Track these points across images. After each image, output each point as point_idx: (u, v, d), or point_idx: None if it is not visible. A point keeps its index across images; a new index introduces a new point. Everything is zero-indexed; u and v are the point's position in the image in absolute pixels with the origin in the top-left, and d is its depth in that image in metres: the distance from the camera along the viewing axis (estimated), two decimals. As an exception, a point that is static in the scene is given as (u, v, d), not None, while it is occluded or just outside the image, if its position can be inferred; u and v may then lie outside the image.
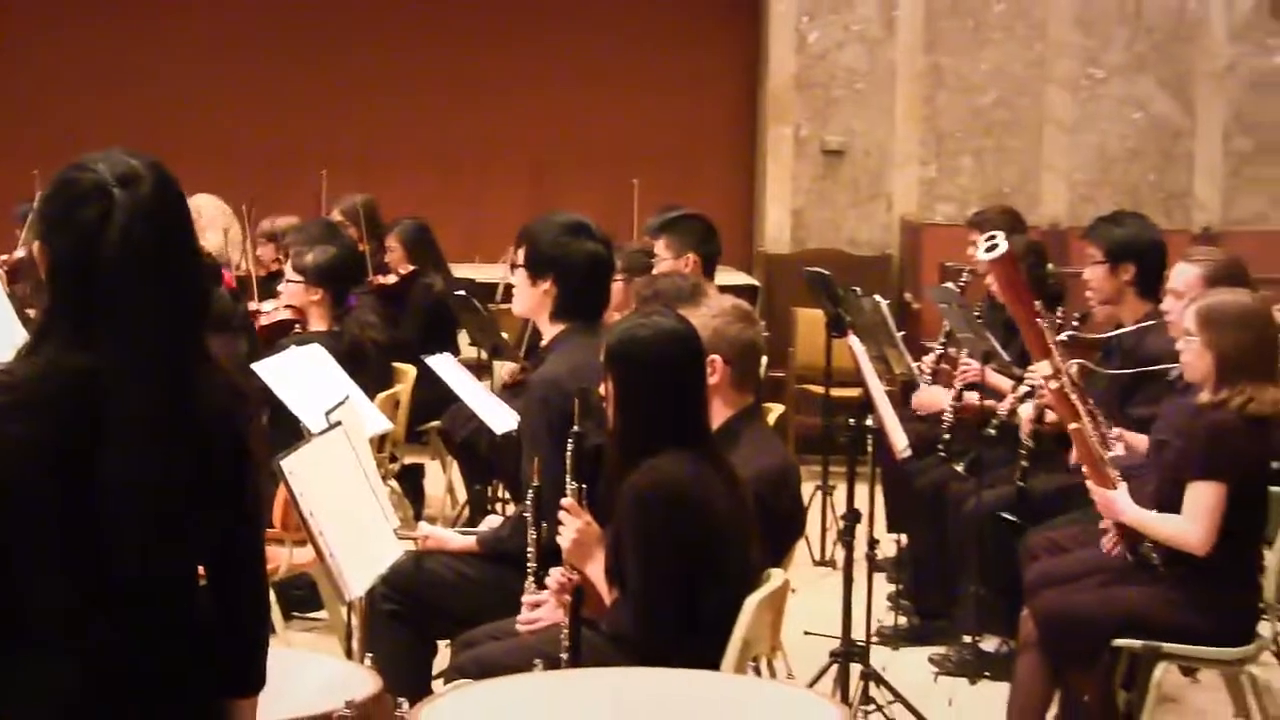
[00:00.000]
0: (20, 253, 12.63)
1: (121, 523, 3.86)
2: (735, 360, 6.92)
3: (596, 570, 6.15)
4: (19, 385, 3.85)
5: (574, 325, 7.34)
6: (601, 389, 6.23)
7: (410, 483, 11.37)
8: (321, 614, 9.00)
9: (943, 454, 9.41)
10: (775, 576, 6.24)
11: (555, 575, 6.29)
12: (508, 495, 10.65)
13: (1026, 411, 8.95)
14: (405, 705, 5.02)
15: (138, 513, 3.86)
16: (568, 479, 6.22)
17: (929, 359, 10.28)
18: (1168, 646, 7.22)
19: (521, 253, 7.49)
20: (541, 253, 7.40)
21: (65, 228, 3.87)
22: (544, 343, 7.56)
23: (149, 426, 3.85)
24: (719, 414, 6.69)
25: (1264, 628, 7.49)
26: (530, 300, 7.46)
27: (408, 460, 11.55)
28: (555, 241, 7.40)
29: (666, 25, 16.15)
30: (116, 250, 3.82)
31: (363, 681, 5.18)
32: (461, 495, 11.82)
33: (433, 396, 10.83)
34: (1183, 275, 8.23)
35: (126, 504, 3.85)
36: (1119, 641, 7.22)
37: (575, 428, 6.19)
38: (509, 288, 8.60)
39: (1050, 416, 8.52)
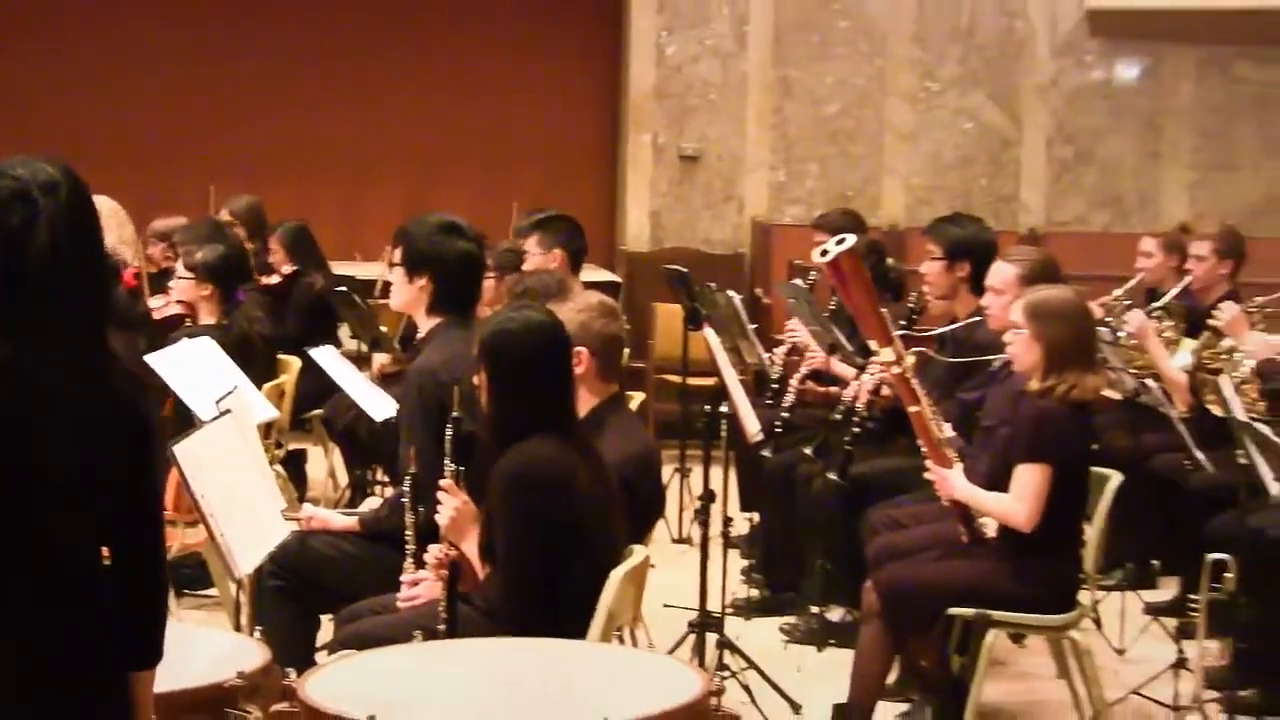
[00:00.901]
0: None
1: (34, 504, 3.85)
2: (600, 352, 6.94)
3: (472, 547, 6.15)
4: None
5: (448, 319, 7.32)
6: (475, 379, 6.24)
7: (294, 467, 11.31)
8: (211, 591, 8.95)
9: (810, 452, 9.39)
10: (637, 552, 6.26)
11: (433, 552, 6.29)
12: (386, 479, 10.64)
13: (865, 384, 9.02)
14: (293, 675, 5.00)
15: (50, 495, 3.86)
16: (446, 461, 6.23)
17: (779, 351, 10.33)
18: (998, 615, 7.27)
19: (399, 251, 7.48)
20: (418, 251, 7.38)
21: None
22: (420, 336, 7.55)
23: (64, 413, 3.84)
24: (585, 402, 6.71)
25: (1084, 597, 7.57)
26: (407, 296, 7.44)
27: (292, 446, 11.49)
28: (431, 240, 7.39)
29: (535, 38, 16.13)
30: (42, 253, 3.82)
31: (252, 653, 5.15)
32: (343, 479, 11.78)
33: (315, 387, 10.79)
34: (1001, 273, 8.28)
35: (40, 487, 3.85)
36: (953, 610, 7.25)
37: (454, 414, 6.20)
38: (387, 284, 8.59)
39: (885, 392, 8.59)
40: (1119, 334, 9.70)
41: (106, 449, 3.91)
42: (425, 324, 7.41)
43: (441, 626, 6.03)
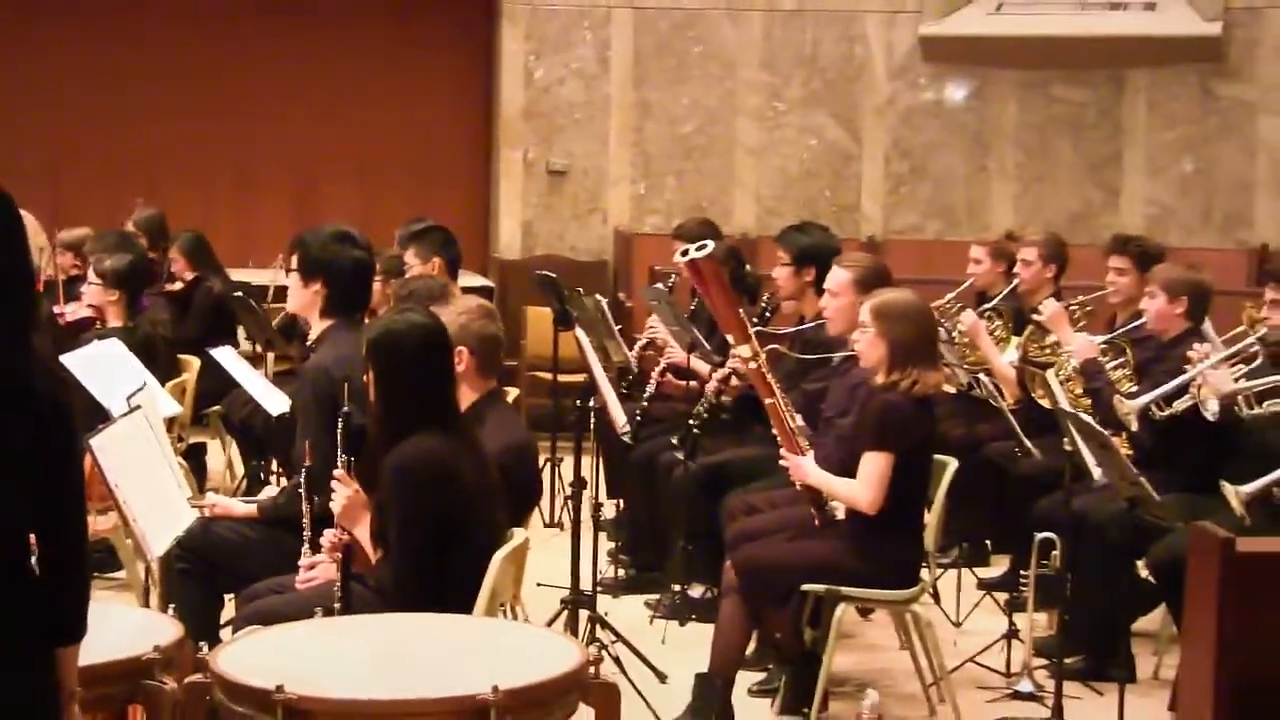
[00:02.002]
0: None
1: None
2: (479, 351, 6.95)
3: (363, 532, 6.16)
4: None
5: (340, 321, 7.30)
6: (365, 376, 6.25)
7: (195, 459, 11.26)
8: (119, 574, 8.90)
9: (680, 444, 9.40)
10: (517, 535, 6.28)
11: (328, 536, 6.29)
12: (280, 469, 10.60)
13: (719, 373, 9.09)
14: (205, 648, 4.99)
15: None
16: (338, 453, 6.24)
17: (637, 346, 10.38)
18: (847, 590, 7.31)
19: (295, 258, 7.46)
20: (312, 258, 7.35)
21: None
22: (313, 337, 7.52)
23: (-8, 408, 3.85)
24: (466, 397, 6.71)
25: (924, 574, 7.63)
26: (302, 300, 7.41)
27: (192, 440, 11.44)
28: (324, 248, 7.37)
29: (412, 60, 16.13)
30: None
31: (166, 629, 5.14)
32: (240, 469, 11.74)
33: (213, 385, 10.76)
34: (836, 278, 8.34)
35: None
36: (806, 586, 7.29)
37: (344, 409, 6.21)
38: (280, 289, 8.54)
39: (734, 382, 8.64)
40: (953, 333, 9.79)
41: (21, 439, 3.91)
42: (319, 326, 7.38)
43: (337, 605, 6.05)
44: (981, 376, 9.49)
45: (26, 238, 4.02)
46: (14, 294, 3.95)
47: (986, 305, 10.24)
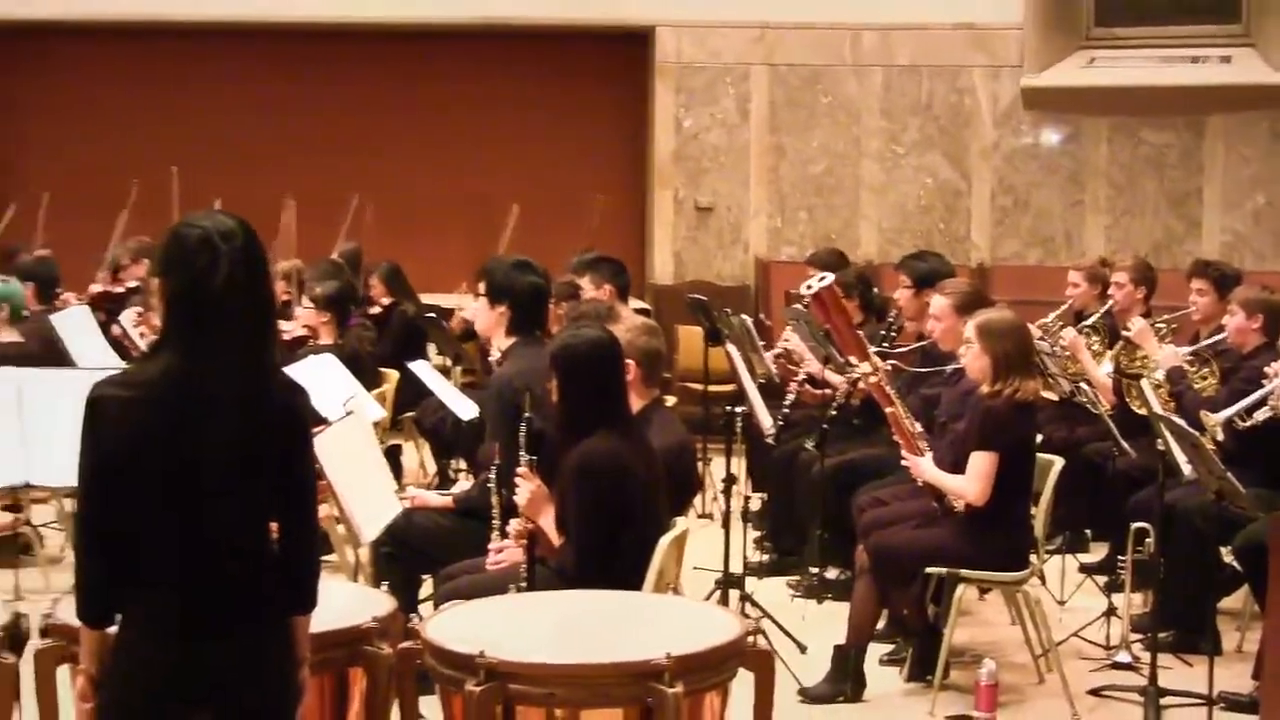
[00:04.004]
0: (97, 287, 12.61)
1: (215, 485, 3.91)
2: (644, 363, 6.99)
3: (547, 521, 6.20)
4: (143, 383, 3.93)
5: (522, 339, 7.37)
6: (547, 386, 6.29)
7: (392, 459, 11.33)
8: (330, 557, 8.97)
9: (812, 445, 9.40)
10: (679, 524, 6.31)
11: (515, 524, 6.34)
12: (465, 467, 10.67)
13: (839, 381, 9.14)
14: (415, 619, 5.05)
15: (227, 477, 3.92)
16: (521, 453, 6.28)
17: (772, 353, 10.36)
18: (965, 572, 7.32)
19: (482, 285, 7.52)
20: (497, 284, 7.42)
21: (181, 269, 3.92)
22: (497, 353, 7.57)
23: (236, 414, 3.91)
24: (633, 404, 6.71)
25: (1033, 559, 7.60)
26: (489, 321, 7.48)
27: (390, 442, 11.54)
28: (507, 275, 7.43)
29: (578, 114, 16.19)
30: (220, 286, 3.88)
31: (382, 603, 5.19)
32: (430, 468, 11.83)
33: (408, 394, 10.86)
34: (937, 304, 8.38)
35: (219, 471, 3.91)
36: (929, 569, 7.30)
37: (527, 415, 6.25)
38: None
39: (861, 386, 8.62)
40: (1055, 348, 9.73)
41: (263, 441, 3.98)
42: (503, 343, 7.44)
43: (523, 584, 6.09)
44: (1082, 384, 9.42)
45: (267, 265, 4.08)
46: (258, 316, 4.01)
47: (1084, 323, 10.16)
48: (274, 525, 4.07)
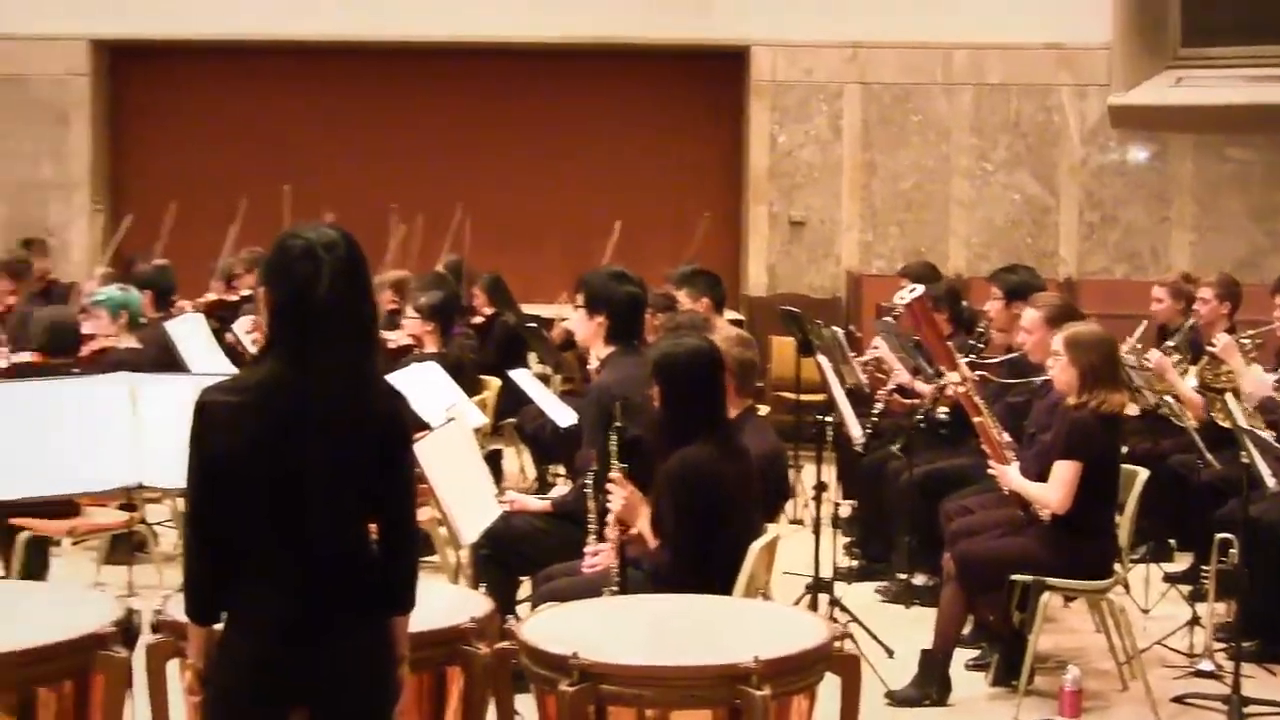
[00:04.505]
0: (212, 296, 12.69)
1: (318, 488, 3.91)
2: (738, 373, 6.96)
3: (644, 524, 6.19)
4: (248, 389, 3.93)
5: (619, 348, 7.34)
6: (650, 392, 6.27)
7: (493, 464, 11.33)
8: (433, 558, 8.99)
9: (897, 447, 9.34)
10: (771, 530, 6.28)
11: (609, 530, 6.32)
12: (564, 472, 10.67)
13: (928, 391, 9.12)
14: (511, 620, 5.04)
15: (329, 481, 3.91)
16: (613, 461, 6.26)
17: (861, 360, 10.30)
18: (1050, 580, 7.23)
19: (580, 295, 7.50)
20: (595, 294, 7.39)
21: (285, 279, 3.93)
22: (595, 362, 7.55)
23: (339, 419, 3.91)
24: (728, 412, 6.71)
25: (1118, 568, 7.51)
26: (588, 330, 7.45)
27: (491, 447, 11.54)
28: (605, 286, 7.40)
29: (677, 133, 16.19)
30: (323, 296, 3.88)
31: (479, 603, 5.18)
32: (530, 473, 11.85)
33: (509, 401, 10.86)
34: (1029, 317, 8.30)
35: (321, 475, 3.90)
36: (1015, 577, 7.22)
37: (617, 424, 6.24)
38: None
39: (948, 392, 8.55)
40: (1142, 361, 9.62)
41: (364, 446, 3.97)
42: (601, 352, 7.41)
43: (616, 587, 6.07)
44: (1167, 397, 9.32)
45: (368, 275, 4.07)
46: (359, 325, 4.00)
47: (1169, 342, 10.03)
48: (374, 527, 4.05)
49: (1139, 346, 9.81)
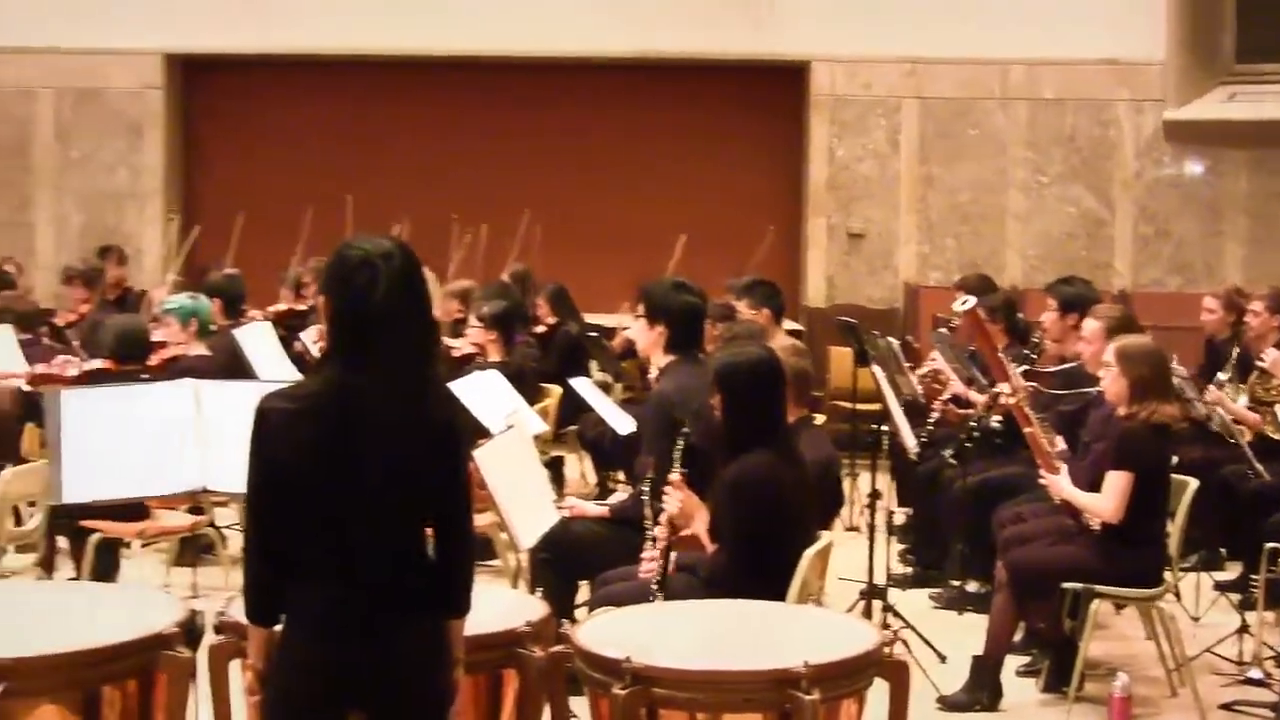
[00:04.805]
0: (282, 305, 12.75)
1: (374, 493, 3.91)
2: (792, 382, 6.91)
3: (700, 528, 6.20)
4: (306, 396, 3.95)
5: (680, 357, 7.31)
6: (703, 403, 6.25)
7: (555, 470, 11.36)
8: (494, 562, 9.00)
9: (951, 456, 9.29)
10: (824, 537, 6.25)
11: (657, 532, 6.32)
12: (623, 478, 10.65)
13: (982, 402, 9.07)
14: (566, 624, 5.03)
15: (387, 488, 3.92)
16: (675, 466, 6.25)
17: (919, 372, 10.26)
18: (1101, 588, 7.18)
19: (641, 305, 7.48)
20: (656, 304, 7.37)
21: (342, 287, 3.94)
22: (655, 370, 7.52)
23: (395, 425, 3.91)
24: (783, 421, 6.69)
25: (1168, 576, 7.46)
26: (648, 339, 7.42)
27: (553, 453, 11.55)
28: (666, 296, 7.38)
29: (736, 143, 16.15)
30: (380, 305, 3.89)
31: (535, 607, 5.16)
32: (591, 479, 11.84)
33: (570, 409, 10.86)
34: (1089, 327, 8.22)
35: (378, 479, 3.90)
36: (1066, 584, 7.17)
37: (684, 430, 6.23)
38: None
39: (1002, 401, 8.48)
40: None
41: (420, 451, 3.97)
42: (661, 361, 7.39)
43: (656, 591, 6.08)
44: (1218, 409, 9.25)
45: (425, 284, 4.07)
46: (415, 333, 4.01)
47: (1220, 375, 9.90)
48: (429, 532, 4.05)
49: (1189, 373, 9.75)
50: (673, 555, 6.35)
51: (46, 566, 8.33)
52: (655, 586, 6.11)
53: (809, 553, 5.96)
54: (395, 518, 3.97)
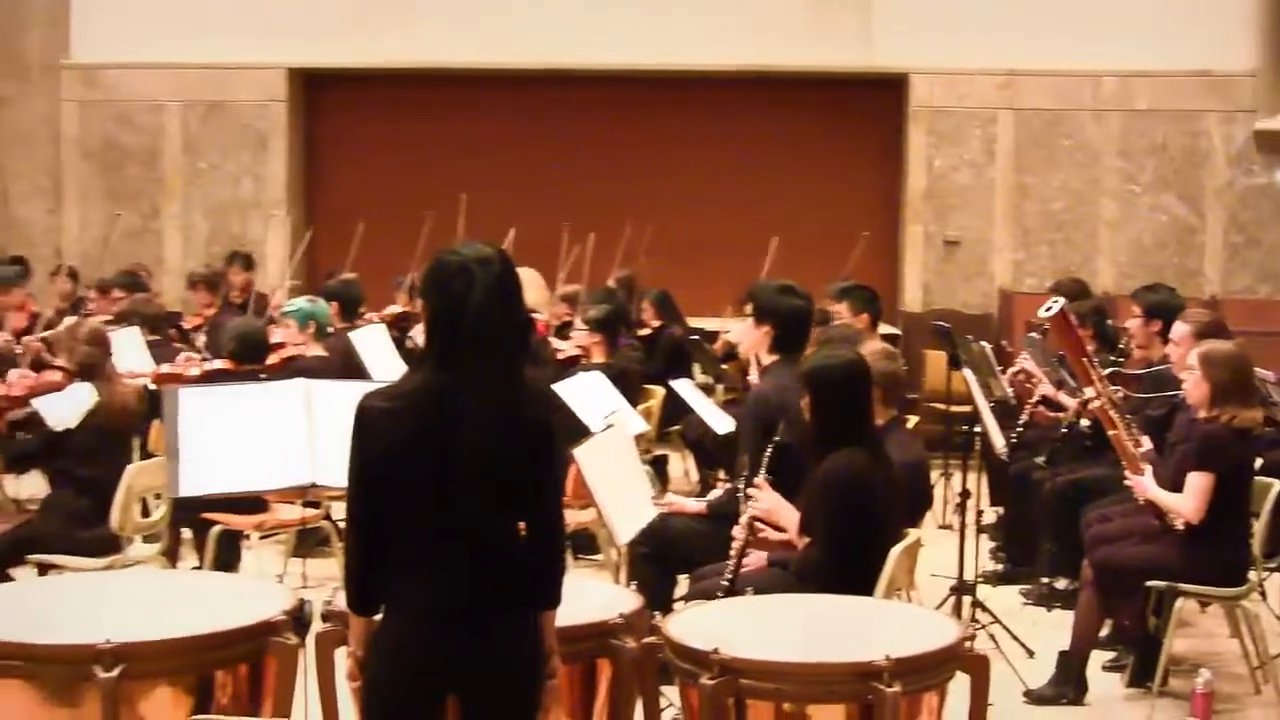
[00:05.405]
0: (396, 308, 12.84)
1: (470, 491, 3.93)
2: (883, 385, 6.90)
3: (789, 527, 6.19)
4: (404, 395, 3.98)
5: (783, 358, 7.26)
6: (801, 401, 6.25)
7: (659, 468, 11.38)
8: (597, 556, 9.03)
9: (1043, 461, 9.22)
10: (911, 535, 6.22)
11: (737, 530, 6.33)
12: (724, 476, 10.64)
13: (1071, 404, 9.03)
14: (658, 617, 5.04)
15: (480, 483, 3.93)
16: (761, 470, 6.26)
17: (1010, 372, 10.18)
18: (1185, 586, 7.14)
19: (749, 306, 7.45)
20: (763, 305, 7.34)
21: (442, 292, 3.97)
22: (761, 368, 7.48)
23: (490, 424, 3.92)
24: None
25: (1253, 575, 7.37)
26: (754, 339, 7.39)
27: (658, 452, 11.56)
28: (773, 297, 7.35)
29: (836, 152, 16.08)
30: (476, 308, 3.91)
31: (629, 600, 5.18)
32: (694, 476, 11.85)
33: (673, 409, 10.86)
34: (1178, 330, 8.15)
35: (473, 477, 3.92)
36: (1151, 583, 7.13)
37: (776, 438, 6.23)
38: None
39: (1093, 405, 8.38)
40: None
41: (513, 448, 3.98)
42: (766, 360, 7.36)
43: (723, 582, 6.09)
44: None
45: (520, 289, 4.08)
46: (509, 335, 4.03)
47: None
48: (522, 526, 4.06)
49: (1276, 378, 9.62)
50: (748, 556, 6.34)
51: (170, 556, 8.44)
52: (726, 584, 6.11)
53: (896, 549, 5.93)
54: (488, 512, 3.98)
